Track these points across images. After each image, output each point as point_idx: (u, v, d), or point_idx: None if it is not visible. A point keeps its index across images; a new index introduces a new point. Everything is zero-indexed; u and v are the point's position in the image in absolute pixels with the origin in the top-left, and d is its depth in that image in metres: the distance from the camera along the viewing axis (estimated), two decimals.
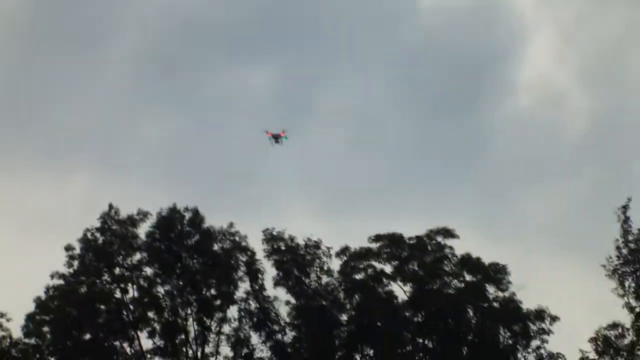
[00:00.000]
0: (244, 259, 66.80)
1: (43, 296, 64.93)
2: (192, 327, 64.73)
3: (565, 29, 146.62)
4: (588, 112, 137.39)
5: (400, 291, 64.46)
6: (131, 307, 65.12)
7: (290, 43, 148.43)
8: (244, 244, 67.00)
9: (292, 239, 66.75)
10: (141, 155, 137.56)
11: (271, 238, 66.69)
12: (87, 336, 64.29)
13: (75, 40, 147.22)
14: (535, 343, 61.36)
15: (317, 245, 66.49)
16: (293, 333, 64.83)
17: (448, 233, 64.76)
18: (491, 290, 63.40)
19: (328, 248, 66.40)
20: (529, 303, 62.14)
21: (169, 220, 66.88)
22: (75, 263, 65.66)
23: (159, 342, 64.12)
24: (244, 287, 66.05)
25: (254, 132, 70.11)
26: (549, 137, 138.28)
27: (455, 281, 64.18)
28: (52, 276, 64.96)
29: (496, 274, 63.37)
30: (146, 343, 64.13)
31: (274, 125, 68.90)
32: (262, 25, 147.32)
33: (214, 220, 67.68)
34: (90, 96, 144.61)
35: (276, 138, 68.21)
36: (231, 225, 67.25)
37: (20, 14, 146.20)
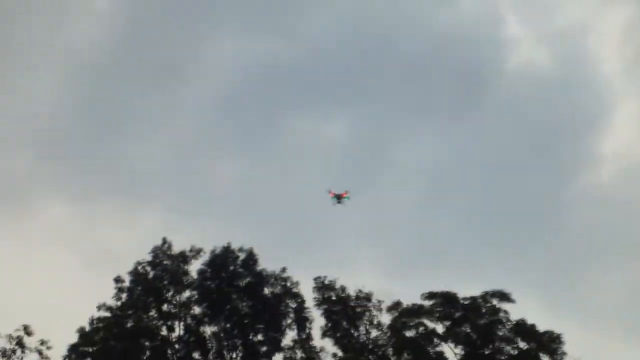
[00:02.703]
0: (293, 305, 65.88)
1: (87, 327, 64.30)
2: None
3: None
4: None
5: (451, 353, 62.97)
6: (177, 346, 64.09)
7: (367, 97, 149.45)
8: (295, 290, 66.22)
9: (343, 289, 65.86)
10: (211, 198, 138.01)
11: (322, 286, 65.87)
12: None
13: (154, 79, 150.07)
14: None
15: (368, 298, 65.49)
16: None
17: (504, 296, 63.19)
18: (545, 359, 61.70)
19: (379, 301, 65.47)
20: None
21: (222, 259, 66.25)
22: (124, 296, 65.10)
23: None
24: (291, 334, 65.11)
25: (321, 185, 69.94)
26: (629, 213, 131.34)
27: (508, 347, 62.47)
28: (98, 308, 64.52)
29: (550, 342, 61.79)
30: None
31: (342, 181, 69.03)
32: (340, 76, 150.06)
33: (268, 263, 67.25)
34: (165, 135, 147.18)
35: (339, 198, 68.38)
36: (284, 270, 66.72)
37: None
